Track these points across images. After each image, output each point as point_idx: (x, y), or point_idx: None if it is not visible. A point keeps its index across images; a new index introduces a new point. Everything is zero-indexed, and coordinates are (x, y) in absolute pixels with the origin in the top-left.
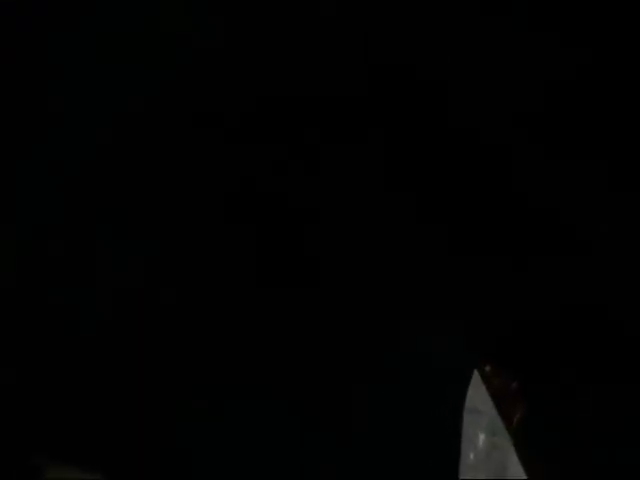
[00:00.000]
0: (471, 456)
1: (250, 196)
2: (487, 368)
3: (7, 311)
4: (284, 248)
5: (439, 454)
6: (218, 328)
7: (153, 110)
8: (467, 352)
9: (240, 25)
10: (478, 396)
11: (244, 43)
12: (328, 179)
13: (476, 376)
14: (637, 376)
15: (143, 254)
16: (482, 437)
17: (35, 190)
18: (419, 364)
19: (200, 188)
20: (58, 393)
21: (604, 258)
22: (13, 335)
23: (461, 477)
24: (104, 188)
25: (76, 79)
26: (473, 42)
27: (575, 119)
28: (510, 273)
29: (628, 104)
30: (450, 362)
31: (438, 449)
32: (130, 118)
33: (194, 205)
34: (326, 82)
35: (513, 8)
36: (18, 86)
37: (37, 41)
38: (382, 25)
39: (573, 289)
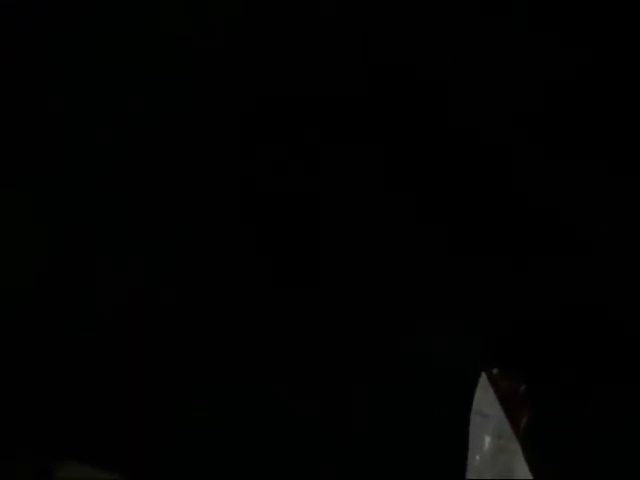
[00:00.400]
0: (477, 459)
1: (250, 196)
2: (495, 370)
3: (7, 311)
4: (284, 248)
5: (445, 455)
6: (218, 328)
7: (152, 110)
8: (472, 353)
9: (240, 25)
10: (485, 398)
11: (244, 43)
12: (328, 179)
13: (483, 378)
14: (637, 376)
15: (143, 254)
16: (488, 440)
17: (35, 190)
18: (424, 365)
19: (199, 188)
20: (58, 393)
21: (604, 258)
22: (13, 335)
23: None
24: (104, 188)
25: (76, 79)
26: (473, 42)
27: (575, 119)
28: (510, 273)
29: (628, 104)
30: (456, 363)
31: (444, 451)
32: (130, 118)
33: (193, 205)
34: (326, 82)
35: (513, 8)
36: (18, 86)
37: (37, 41)
38: (382, 25)
39: (573, 289)
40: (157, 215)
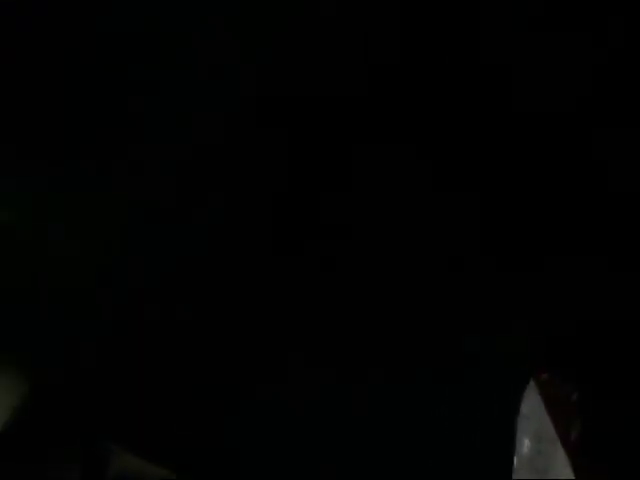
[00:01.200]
0: (515, 461)
1: (250, 196)
2: (545, 376)
3: (8, 311)
4: (286, 249)
5: (491, 459)
6: (223, 328)
7: (153, 110)
8: (521, 356)
9: (240, 25)
10: (525, 401)
11: (244, 43)
12: (329, 179)
13: None
14: None
15: (143, 254)
16: (527, 442)
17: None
18: (472, 366)
19: (199, 188)
20: (62, 393)
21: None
22: (18, 336)
23: None
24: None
25: (76, 79)
26: (473, 42)
27: (576, 119)
28: (568, 273)
29: None
30: (504, 365)
31: (490, 454)
32: (131, 118)
33: (193, 205)
34: (326, 82)
35: (513, 8)
36: (17, 86)
37: (37, 41)
38: (382, 25)
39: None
40: (159, 214)
